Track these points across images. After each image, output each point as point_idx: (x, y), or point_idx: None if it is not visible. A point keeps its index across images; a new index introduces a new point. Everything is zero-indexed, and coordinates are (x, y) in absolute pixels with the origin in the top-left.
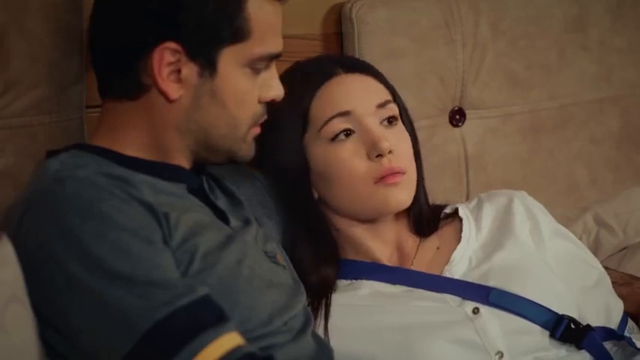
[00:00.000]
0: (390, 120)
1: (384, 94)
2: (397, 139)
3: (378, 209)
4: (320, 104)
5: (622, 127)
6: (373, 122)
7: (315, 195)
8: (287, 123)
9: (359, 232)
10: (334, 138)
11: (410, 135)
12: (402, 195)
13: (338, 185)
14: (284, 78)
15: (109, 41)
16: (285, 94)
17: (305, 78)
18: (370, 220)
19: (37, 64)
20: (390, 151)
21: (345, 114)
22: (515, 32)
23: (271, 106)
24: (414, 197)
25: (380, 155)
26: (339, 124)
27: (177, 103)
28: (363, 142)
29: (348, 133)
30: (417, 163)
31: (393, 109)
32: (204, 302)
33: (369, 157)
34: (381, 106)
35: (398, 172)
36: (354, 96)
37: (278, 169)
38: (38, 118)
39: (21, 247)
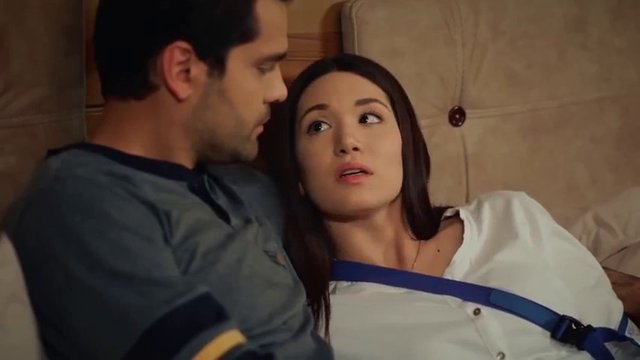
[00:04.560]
0: (366, 117)
1: (371, 93)
2: (374, 138)
3: (338, 206)
4: (304, 99)
5: (622, 127)
6: (349, 119)
7: (302, 191)
8: (277, 119)
9: (347, 230)
10: (308, 130)
11: (410, 137)
12: (365, 195)
13: (310, 178)
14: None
15: (117, 40)
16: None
17: (299, 76)
18: (346, 217)
19: (37, 64)
20: (356, 148)
21: (320, 107)
22: (515, 32)
23: (274, 106)
24: (406, 200)
25: (343, 151)
26: (313, 116)
27: (185, 103)
28: (334, 136)
29: (318, 125)
30: (415, 167)
31: (374, 107)
32: (204, 300)
33: (334, 151)
34: (362, 102)
35: (361, 171)
36: (334, 91)
37: (272, 165)
38: (38, 118)
39: (21, 246)
